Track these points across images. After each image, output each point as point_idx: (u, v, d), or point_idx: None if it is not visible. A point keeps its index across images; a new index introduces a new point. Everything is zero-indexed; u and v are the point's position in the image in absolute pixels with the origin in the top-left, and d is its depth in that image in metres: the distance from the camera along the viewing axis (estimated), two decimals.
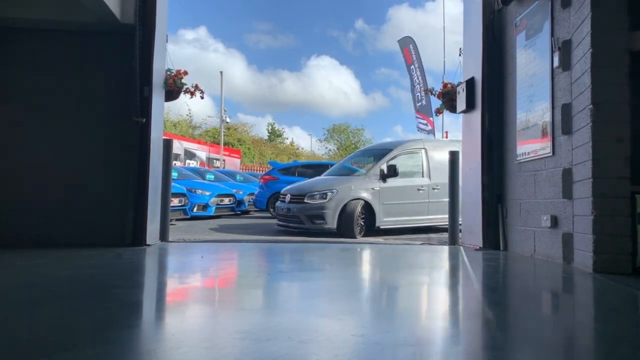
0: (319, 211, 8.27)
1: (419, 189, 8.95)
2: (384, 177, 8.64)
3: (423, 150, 9.29)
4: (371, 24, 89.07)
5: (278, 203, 9.35)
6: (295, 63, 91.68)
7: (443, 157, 9.08)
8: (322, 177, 9.94)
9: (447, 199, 8.64)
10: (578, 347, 1.98)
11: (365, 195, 8.41)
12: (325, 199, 8.32)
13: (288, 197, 8.81)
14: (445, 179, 8.78)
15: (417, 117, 19.10)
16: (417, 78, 19.12)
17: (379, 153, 9.37)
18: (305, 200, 8.44)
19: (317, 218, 8.24)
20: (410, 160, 9.13)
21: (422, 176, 9.12)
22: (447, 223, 8.83)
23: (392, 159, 8.95)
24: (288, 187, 9.81)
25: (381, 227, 8.42)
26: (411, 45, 19.46)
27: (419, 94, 18.95)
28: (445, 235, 7.44)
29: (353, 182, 8.67)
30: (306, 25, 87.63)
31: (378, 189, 8.56)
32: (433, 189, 8.99)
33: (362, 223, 8.23)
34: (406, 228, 8.83)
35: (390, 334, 2.03)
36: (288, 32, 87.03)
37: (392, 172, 8.69)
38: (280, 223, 9.01)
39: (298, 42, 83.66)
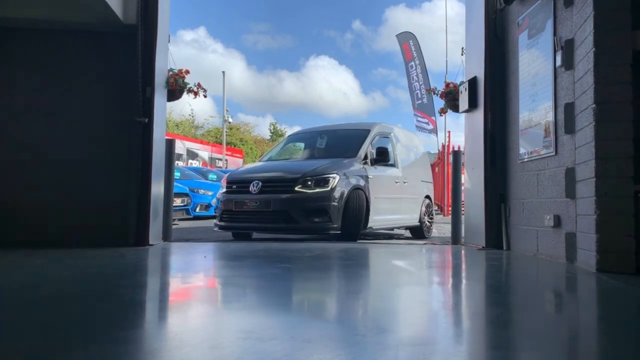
0: (321, 204, 5.97)
1: (395, 181, 7.43)
2: (372, 163, 6.81)
3: (392, 136, 7.76)
4: (368, 25, 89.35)
5: (228, 196, 6.53)
6: (294, 63, 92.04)
7: (405, 145, 8.23)
8: (281, 161, 7.57)
9: (414, 195, 7.94)
10: (583, 347, 1.98)
11: (363, 184, 6.51)
12: (327, 186, 6.04)
13: (256, 186, 6.23)
14: (407, 169, 7.85)
15: (416, 115, 18.95)
16: (417, 75, 18.87)
17: (355, 133, 7.45)
18: (297, 189, 6.06)
19: (318, 214, 5.99)
20: (385, 146, 7.40)
21: (395, 166, 7.56)
22: (414, 225, 7.82)
23: (373, 141, 7.13)
24: (244, 169, 7.41)
25: (374, 227, 6.83)
26: (411, 41, 19.08)
27: (418, 91, 18.76)
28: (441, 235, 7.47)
29: (345, 165, 6.52)
30: (303, 26, 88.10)
31: (371, 177, 6.69)
32: (404, 182, 7.59)
33: None
34: (380, 232, 7.47)
35: (393, 333, 2.03)
36: (285, 32, 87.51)
37: (383, 156, 6.91)
38: (239, 224, 6.42)
39: (296, 43, 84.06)
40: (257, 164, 7.55)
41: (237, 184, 6.57)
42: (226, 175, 7.33)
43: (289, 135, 9.02)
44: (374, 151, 6.92)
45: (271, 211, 6.08)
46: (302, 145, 8.13)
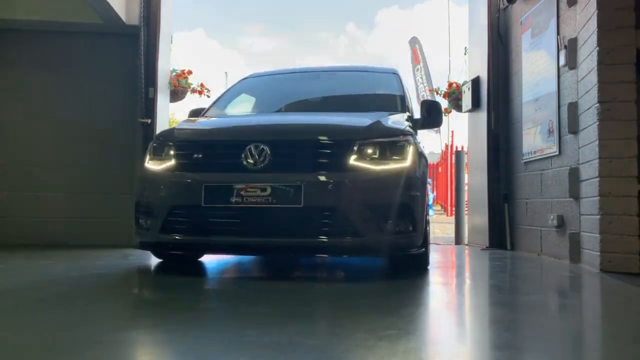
0: (401, 195, 2.94)
1: None
2: (419, 126, 3.79)
3: None
4: (362, 28, 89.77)
5: (185, 175, 3.06)
6: (291, 65, 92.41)
7: None
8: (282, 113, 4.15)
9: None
10: (587, 347, 1.97)
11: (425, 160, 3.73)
12: (403, 157, 3.02)
13: (260, 155, 2.89)
14: None
15: None
16: (421, 77, 19.24)
17: (379, 77, 4.55)
18: (353, 163, 2.92)
19: (395, 216, 2.91)
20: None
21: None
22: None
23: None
24: (206, 122, 3.74)
25: None
26: (417, 45, 19.59)
27: (423, 93, 19.02)
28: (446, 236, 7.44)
29: (400, 123, 3.41)
30: (297, 29, 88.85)
31: (423, 146, 3.89)
32: None
33: None
34: None
35: (395, 333, 2.02)
36: (280, 34, 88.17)
37: (436, 116, 3.74)
38: (221, 240, 3.07)
39: (291, 44, 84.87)
40: (219, 119, 3.96)
41: (208, 150, 3.12)
42: (163, 131, 3.86)
43: (245, 78, 4.80)
44: (422, 107, 3.80)
45: (301, 209, 2.85)
46: (274, 92, 4.53)
